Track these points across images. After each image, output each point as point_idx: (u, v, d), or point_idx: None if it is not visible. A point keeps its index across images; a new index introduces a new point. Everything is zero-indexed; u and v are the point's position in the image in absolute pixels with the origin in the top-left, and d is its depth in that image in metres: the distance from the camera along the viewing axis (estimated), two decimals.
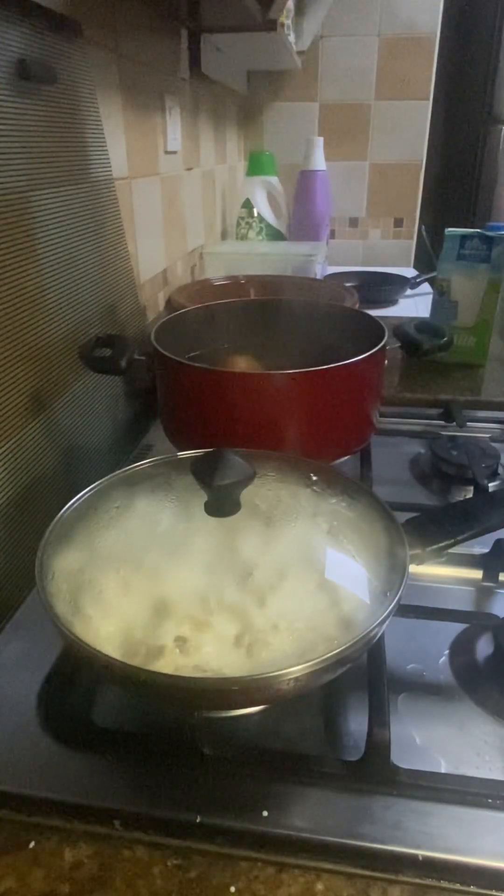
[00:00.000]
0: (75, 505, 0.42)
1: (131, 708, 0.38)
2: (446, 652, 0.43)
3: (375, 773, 0.34)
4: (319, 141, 1.51)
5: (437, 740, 0.36)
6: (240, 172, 1.65)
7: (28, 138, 0.55)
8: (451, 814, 0.32)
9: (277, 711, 0.37)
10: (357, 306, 0.90)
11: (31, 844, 0.32)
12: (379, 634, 0.34)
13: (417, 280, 1.38)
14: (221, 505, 0.39)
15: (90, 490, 0.44)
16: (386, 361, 0.61)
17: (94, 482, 0.45)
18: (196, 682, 0.31)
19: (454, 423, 0.74)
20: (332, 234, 1.75)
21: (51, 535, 0.39)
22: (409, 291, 1.36)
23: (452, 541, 0.41)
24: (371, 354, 0.55)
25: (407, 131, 1.66)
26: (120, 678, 0.34)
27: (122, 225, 0.77)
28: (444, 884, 0.30)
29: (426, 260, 1.63)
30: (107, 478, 0.45)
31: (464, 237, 0.88)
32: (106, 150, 0.72)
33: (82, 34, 0.65)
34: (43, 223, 0.57)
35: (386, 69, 1.60)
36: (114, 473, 0.45)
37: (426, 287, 1.36)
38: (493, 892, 0.29)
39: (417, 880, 0.30)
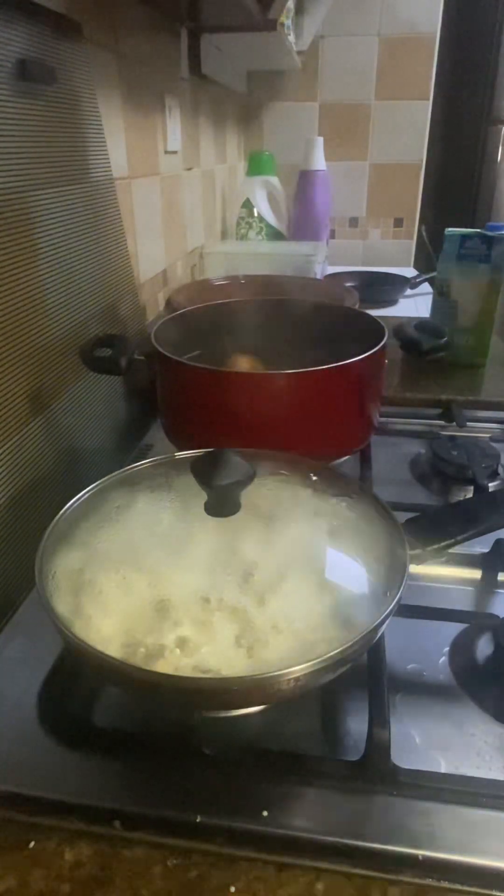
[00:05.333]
0: (75, 505, 0.42)
1: (131, 708, 0.38)
2: (446, 651, 0.43)
3: (375, 773, 0.34)
4: (319, 141, 1.51)
5: (437, 740, 0.36)
6: (240, 172, 1.65)
7: (28, 138, 0.55)
8: (451, 814, 0.32)
9: (277, 711, 0.37)
10: (357, 306, 0.90)
11: (31, 844, 0.32)
12: (379, 634, 0.34)
13: (417, 280, 1.38)
14: (221, 505, 0.39)
15: (90, 490, 0.44)
16: (386, 361, 0.61)
17: (94, 482, 0.45)
18: (196, 682, 0.31)
19: (454, 423, 0.74)
20: (332, 234, 1.75)
21: (51, 535, 0.39)
22: (409, 291, 1.36)
23: (452, 541, 0.41)
24: (371, 354, 0.55)
25: (407, 131, 1.66)
26: (119, 678, 0.34)
27: (122, 225, 0.77)
28: (444, 884, 0.30)
29: (426, 260, 1.63)
30: (106, 478, 0.45)
31: (464, 237, 0.88)
32: (106, 150, 0.72)
33: (82, 34, 0.65)
34: (43, 223, 0.57)
35: (386, 69, 1.60)
36: (114, 474, 0.45)
37: (426, 287, 1.36)
38: (493, 892, 0.29)
39: (417, 880, 0.30)
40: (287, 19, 1.19)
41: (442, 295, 0.93)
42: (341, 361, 0.53)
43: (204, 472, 0.38)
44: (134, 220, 0.87)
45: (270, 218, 1.47)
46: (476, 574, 0.49)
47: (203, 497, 0.39)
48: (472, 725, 0.37)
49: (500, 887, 0.30)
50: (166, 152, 1.01)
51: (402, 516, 0.43)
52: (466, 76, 1.99)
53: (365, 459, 0.64)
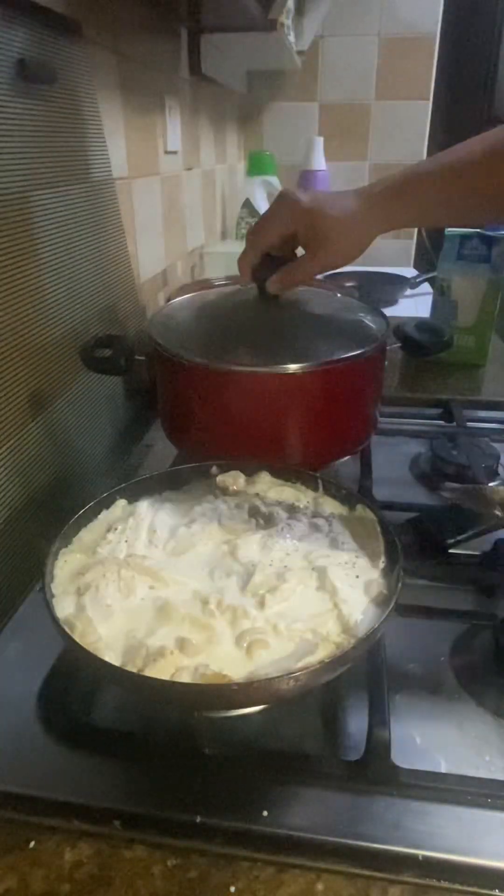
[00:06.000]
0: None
1: (131, 708, 0.38)
2: (446, 651, 0.43)
3: (375, 773, 0.34)
4: (319, 141, 1.51)
5: (437, 740, 0.36)
6: (240, 172, 1.65)
7: (28, 138, 0.55)
8: (451, 814, 0.32)
9: (277, 711, 0.37)
10: None
11: (31, 844, 0.32)
12: (378, 635, 0.34)
13: (417, 280, 1.38)
14: None
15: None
16: (386, 361, 0.61)
17: (94, 481, 0.45)
18: (193, 687, 0.31)
19: (454, 423, 0.74)
20: None
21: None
22: (409, 291, 1.36)
23: (452, 541, 0.41)
24: (371, 354, 0.55)
25: (407, 131, 1.65)
26: (118, 682, 0.34)
27: (122, 225, 0.77)
28: (444, 884, 0.30)
29: (426, 260, 1.63)
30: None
31: (464, 237, 0.88)
32: (106, 150, 0.72)
33: (82, 34, 0.65)
34: (43, 223, 0.57)
35: (386, 69, 1.59)
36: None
37: (426, 287, 1.36)
38: (494, 892, 0.29)
39: (417, 880, 0.30)
40: (287, 19, 1.19)
41: (442, 295, 0.93)
42: (341, 361, 0.53)
43: None
44: (134, 220, 0.87)
45: None
46: (476, 574, 0.49)
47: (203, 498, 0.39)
48: (472, 725, 0.37)
49: (501, 887, 0.30)
50: (166, 152, 1.01)
51: (402, 516, 0.43)
52: (466, 76, 1.99)
53: (365, 459, 0.64)
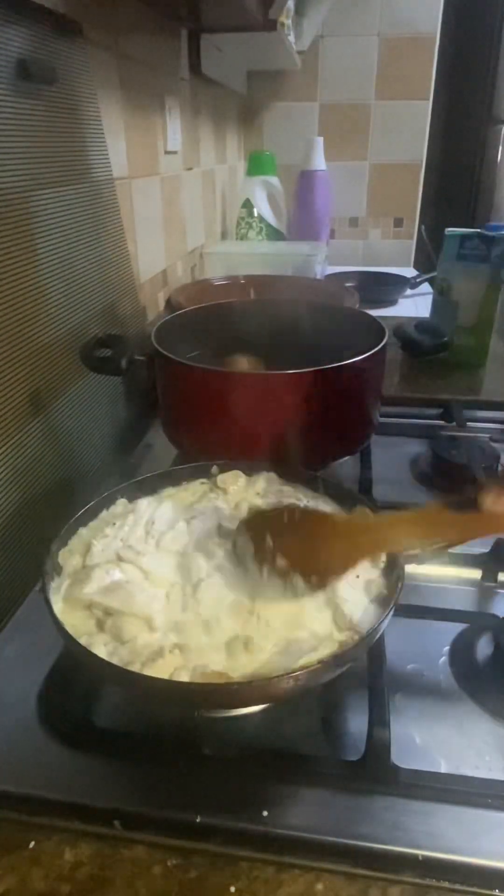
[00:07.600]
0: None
1: (131, 708, 0.38)
2: (446, 651, 0.43)
3: (375, 773, 0.34)
4: (319, 141, 1.51)
5: (437, 740, 0.36)
6: (240, 172, 1.65)
7: (28, 138, 0.55)
8: (451, 814, 0.32)
9: (277, 711, 0.37)
10: (357, 306, 0.90)
11: (31, 844, 0.32)
12: (378, 635, 0.34)
13: (417, 280, 1.38)
14: None
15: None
16: (386, 361, 0.61)
17: (94, 482, 0.45)
18: (193, 686, 0.31)
19: (454, 423, 0.74)
20: (332, 234, 1.75)
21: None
22: (409, 291, 1.36)
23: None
24: (371, 354, 0.55)
25: (407, 131, 1.65)
26: (118, 682, 0.34)
27: (122, 225, 0.77)
28: (444, 884, 0.30)
29: (426, 260, 1.63)
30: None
31: (464, 237, 0.88)
32: (106, 150, 0.72)
33: (82, 34, 0.65)
34: (43, 223, 0.57)
35: (386, 69, 1.60)
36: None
37: (426, 287, 1.36)
38: (494, 892, 0.29)
39: (417, 880, 0.30)
40: (287, 19, 1.19)
41: (442, 295, 0.93)
42: (341, 361, 0.53)
43: None
44: (134, 220, 0.87)
45: (270, 218, 1.47)
46: (476, 574, 0.49)
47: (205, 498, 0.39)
48: (472, 725, 0.37)
49: (501, 887, 0.30)
50: (166, 152, 1.01)
51: None
52: (466, 76, 1.99)
53: (365, 459, 0.64)
